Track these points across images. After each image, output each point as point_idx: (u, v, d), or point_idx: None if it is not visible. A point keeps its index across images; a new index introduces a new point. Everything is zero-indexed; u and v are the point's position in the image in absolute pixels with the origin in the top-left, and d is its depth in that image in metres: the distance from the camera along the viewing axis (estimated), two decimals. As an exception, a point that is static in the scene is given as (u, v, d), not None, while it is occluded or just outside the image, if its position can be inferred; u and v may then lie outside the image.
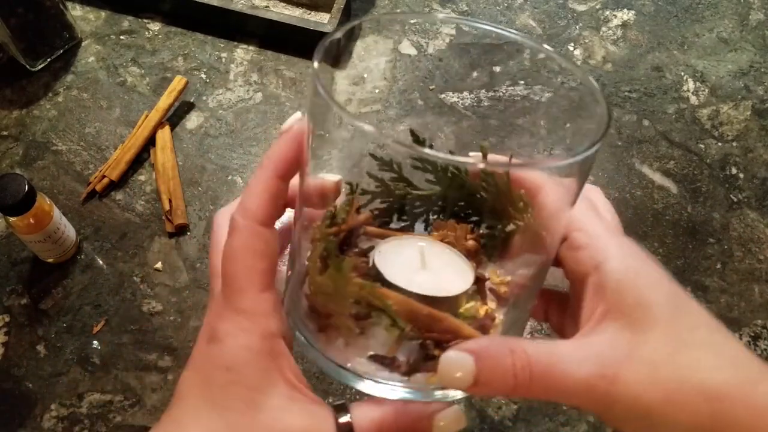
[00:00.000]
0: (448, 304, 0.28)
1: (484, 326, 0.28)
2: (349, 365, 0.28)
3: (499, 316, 0.29)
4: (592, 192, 0.30)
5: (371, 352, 0.27)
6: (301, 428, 0.26)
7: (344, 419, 0.27)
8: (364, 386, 0.28)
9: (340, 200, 0.30)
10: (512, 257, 0.29)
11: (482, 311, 0.28)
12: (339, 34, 0.28)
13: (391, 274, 0.27)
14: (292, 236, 0.30)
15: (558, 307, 0.33)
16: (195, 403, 0.27)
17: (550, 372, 0.24)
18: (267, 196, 0.27)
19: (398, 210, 0.31)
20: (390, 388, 0.28)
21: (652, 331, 0.25)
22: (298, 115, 0.28)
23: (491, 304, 0.29)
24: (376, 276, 0.27)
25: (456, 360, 0.24)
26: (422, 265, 0.29)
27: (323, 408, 0.27)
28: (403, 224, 0.32)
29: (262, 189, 0.27)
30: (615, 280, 0.26)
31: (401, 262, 0.28)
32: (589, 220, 0.28)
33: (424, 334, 0.27)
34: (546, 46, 0.29)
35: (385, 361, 0.27)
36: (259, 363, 0.26)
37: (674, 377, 0.24)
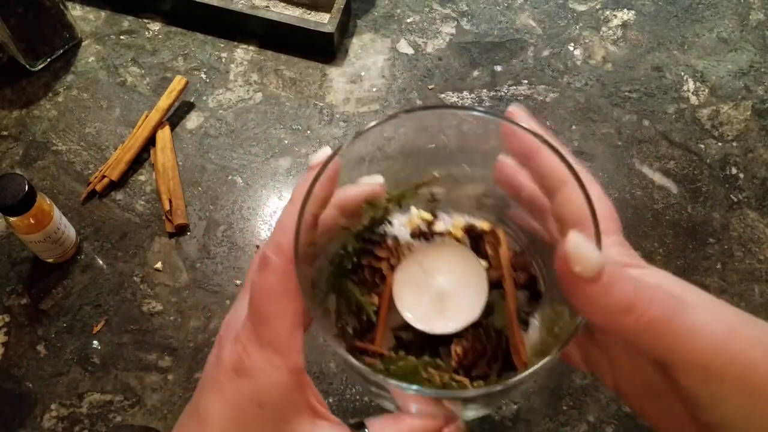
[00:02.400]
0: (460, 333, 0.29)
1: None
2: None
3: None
4: (591, 188, 0.30)
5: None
6: None
7: None
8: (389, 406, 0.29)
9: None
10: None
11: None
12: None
13: (406, 309, 0.29)
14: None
15: None
16: None
17: (664, 319, 0.24)
18: None
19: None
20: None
21: (695, 309, 0.25)
22: (327, 150, 0.28)
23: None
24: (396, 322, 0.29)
25: (588, 248, 0.23)
26: (438, 295, 0.30)
27: (343, 428, 0.28)
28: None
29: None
30: (634, 279, 0.26)
31: (416, 296, 0.30)
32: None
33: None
34: None
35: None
36: (288, 398, 0.27)
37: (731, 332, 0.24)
